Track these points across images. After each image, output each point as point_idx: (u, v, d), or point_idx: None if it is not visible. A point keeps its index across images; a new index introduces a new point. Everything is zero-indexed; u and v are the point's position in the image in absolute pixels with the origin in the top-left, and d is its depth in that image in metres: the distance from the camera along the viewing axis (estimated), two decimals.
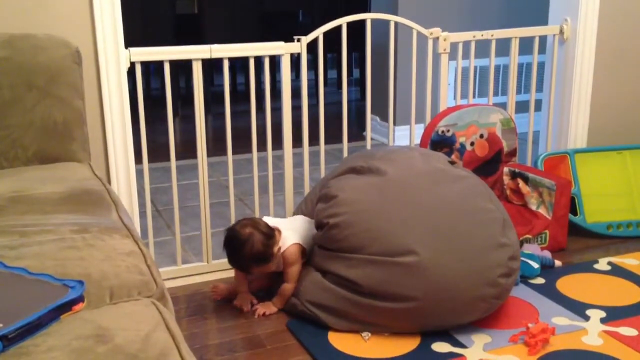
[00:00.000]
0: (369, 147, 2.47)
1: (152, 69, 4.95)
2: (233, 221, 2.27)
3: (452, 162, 2.01)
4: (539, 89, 2.74)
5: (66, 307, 0.99)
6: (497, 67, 3.70)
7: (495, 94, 3.54)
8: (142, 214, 2.18)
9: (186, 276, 2.21)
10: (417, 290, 1.74)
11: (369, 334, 1.81)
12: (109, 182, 2.03)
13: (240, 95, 4.81)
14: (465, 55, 2.51)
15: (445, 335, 1.81)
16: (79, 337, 0.93)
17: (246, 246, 1.89)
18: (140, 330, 0.97)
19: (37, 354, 0.89)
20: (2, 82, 1.68)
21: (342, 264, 1.83)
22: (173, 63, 2.10)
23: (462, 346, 1.77)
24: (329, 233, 1.87)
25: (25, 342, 0.92)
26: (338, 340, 1.80)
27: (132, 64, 2.02)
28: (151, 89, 4.92)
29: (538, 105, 2.73)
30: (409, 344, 1.78)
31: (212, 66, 4.85)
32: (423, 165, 1.93)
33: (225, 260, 2.26)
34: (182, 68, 4.41)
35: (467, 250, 1.77)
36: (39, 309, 0.95)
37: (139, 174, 2.10)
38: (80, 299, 1.01)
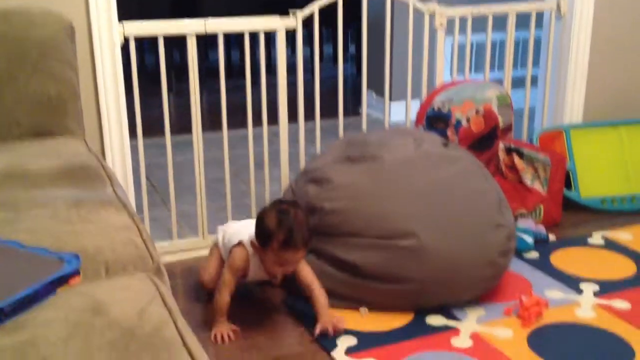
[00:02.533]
0: (364, 122, 2.47)
1: (146, 43, 4.90)
2: (229, 196, 2.27)
3: (446, 144, 2.00)
4: (536, 64, 2.73)
5: (62, 280, 0.99)
6: (493, 43, 3.67)
7: (492, 69, 3.52)
8: (137, 190, 2.18)
9: (182, 251, 2.21)
10: (417, 272, 1.75)
11: (367, 309, 1.82)
12: (104, 157, 2.02)
13: (235, 71, 4.78)
14: (462, 31, 2.49)
15: (440, 308, 1.82)
16: (75, 310, 0.94)
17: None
18: (136, 304, 0.98)
19: (34, 327, 0.90)
20: None
21: (340, 247, 1.83)
22: (168, 38, 2.09)
23: (456, 319, 1.79)
24: (325, 218, 1.86)
25: (22, 316, 0.92)
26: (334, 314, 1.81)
27: (127, 39, 2.00)
28: (145, 64, 4.88)
29: (534, 81, 2.72)
30: (404, 318, 1.80)
31: (207, 41, 4.81)
32: (417, 149, 1.93)
33: None
34: (176, 42, 4.38)
35: (465, 231, 1.78)
36: (35, 282, 0.95)
37: (134, 149, 2.10)
38: (76, 273, 1.01)
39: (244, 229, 1.81)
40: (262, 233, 1.70)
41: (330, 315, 1.73)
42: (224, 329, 1.74)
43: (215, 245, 1.95)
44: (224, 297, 1.74)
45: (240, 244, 1.77)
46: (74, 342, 0.87)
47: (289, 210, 1.70)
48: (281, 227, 1.66)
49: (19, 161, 1.50)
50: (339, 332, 1.71)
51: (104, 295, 0.99)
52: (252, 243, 1.75)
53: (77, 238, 1.14)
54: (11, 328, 0.89)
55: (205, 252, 2.20)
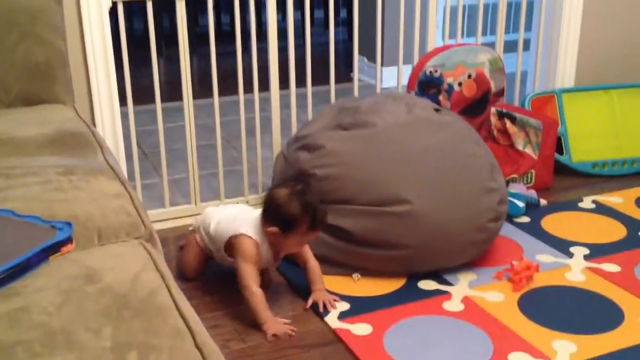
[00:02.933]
0: (356, 88, 2.45)
1: (135, 8, 4.83)
2: (221, 163, 2.26)
3: (438, 109, 1.99)
4: (528, 28, 2.71)
5: (54, 248, 0.99)
6: (486, 6, 3.64)
7: (484, 33, 3.50)
8: (129, 157, 2.17)
9: (174, 218, 2.21)
10: (410, 238, 1.76)
11: (359, 275, 1.84)
12: (94, 124, 2.01)
13: (225, 36, 4.73)
14: None
15: (432, 273, 1.84)
16: (68, 277, 0.94)
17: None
18: (129, 270, 0.98)
19: (27, 294, 0.90)
20: None
21: (333, 214, 1.82)
22: (156, 3, 2.05)
23: (448, 284, 1.80)
24: (317, 185, 1.85)
25: (15, 284, 0.92)
26: (327, 280, 1.82)
27: (114, 4, 1.97)
28: (134, 29, 4.82)
29: (527, 44, 2.71)
30: (396, 283, 1.81)
31: (196, 5, 4.75)
32: (409, 114, 1.92)
33: (214, 201, 2.26)
34: (165, 7, 4.32)
35: (458, 196, 1.78)
36: (27, 250, 0.95)
37: (124, 116, 2.08)
38: (68, 240, 1.01)
39: (238, 218, 1.73)
40: (287, 220, 1.64)
41: (324, 289, 1.73)
42: (279, 327, 1.62)
43: (193, 232, 1.86)
44: (257, 293, 1.64)
45: (244, 235, 1.67)
46: (67, 308, 0.87)
47: (305, 191, 1.66)
48: (307, 212, 1.63)
49: (9, 128, 1.49)
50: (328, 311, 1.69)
51: (97, 262, 0.99)
52: (267, 232, 1.66)
53: (69, 206, 1.14)
54: (4, 295, 0.89)
55: None
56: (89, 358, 0.78)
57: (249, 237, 1.67)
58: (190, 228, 1.90)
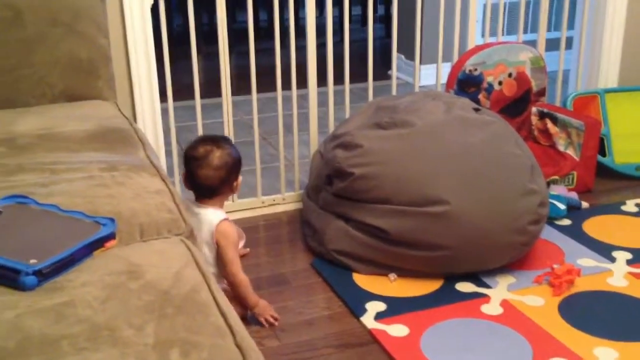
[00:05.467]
0: (394, 86, 2.44)
1: (174, 5, 4.88)
2: (258, 160, 2.27)
3: (477, 108, 1.97)
4: (571, 26, 2.66)
5: (98, 243, 1.00)
6: (527, 3, 3.59)
7: (525, 31, 3.45)
8: (168, 153, 2.19)
9: None
10: (448, 239, 1.74)
11: (395, 275, 1.82)
12: (135, 120, 2.03)
13: (263, 33, 4.74)
14: None
15: (470, 275, 1.82)
16: (111, 273, 0.95)
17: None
18: (170, 267, 0.99)
19: (71, 289, 0.91)
20: (27, 19, 1.67)
21: (369, 213, 1.82)
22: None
23: (487, 286, 1.78)
24: (354, 184, 1.84)
25: (60, 278, 0.93)
26: (362, 280, 1.82)
27: (156, 1, 1.99)
28: (174, 27, 4.87)
29: (569, 43, 2.66)
30: (433, 284, 1.79)
31: (234, 2, 4.77)
32: (448, 114, 1.89)
33: (251, 199, 2.27)
34: (204, 4, 4.34)
35: (497, 197, 1.76)
36: (72, 245, 0.96)
37: (164, 112, 2.10)
38: (112, 236, 1.02)
39: (204, 222, 1.65)
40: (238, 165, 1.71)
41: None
42: (267, 311, 1.65)
43: None
44: (245, 278, 1.63)
45: (220, 221, 1.64)
46: (111, 303, 0.88)
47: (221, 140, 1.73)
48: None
49: (53, 124, 1.51)
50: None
51: (139, 258, 1.00)
52: (233, 188, 1.72)
53: (112, 201, 1.15)
54: (50, 289, 0.91)
55: (234, 216, 2.22)
56: (131, 354, 0.79)
57: (224, 219, 1.65)
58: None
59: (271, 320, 1.65)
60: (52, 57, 1.69)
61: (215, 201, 1.69)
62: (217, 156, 1.67)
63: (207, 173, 1.65)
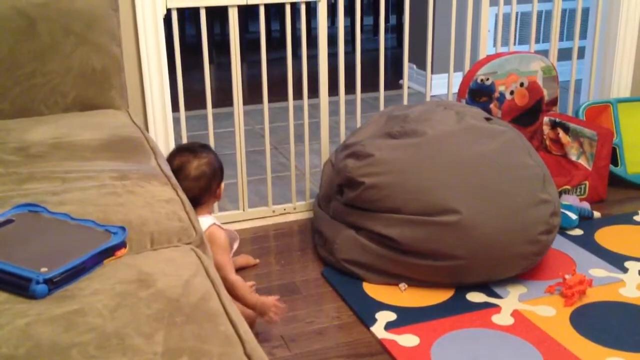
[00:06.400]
0: (405, 96, 2.44)
1: (187, 15, 4.91)
2: (269, 169, 2.28)
3: (489, 118, 1.96)
4: (583, 35, 2.65)
5: (109, 252, 1.00)
6: (539, 13, 3.58)
7: (537, 41, 3.44)
8: None
9: (222, 224, 2.22)
10: (459, 249, 1.73)
11: (406, 285, 1.82)
12: (147, 129, 2.04)
13: (275, 42, 4.76)
14: (507, 0, 2.43)
15: (480, 285, 1.81)
16: (122, 281, 0.95)
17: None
18: (181, 275, 0.99)
19: (81, 297, 0.91)
20: (41, 28, 1.68)
21: (380, 222, 1.81)
22: (209, 9, 2.08)
23: (498, 296, 1.77)
24: (365, 193, 1.84)
25: (70, 286, 0.94)
26: (373, 289, 1.82)
27: (169, 11, 2.00)
28: (186, 36, 4.90)
29: (581, 52, 2.65)
30: (444, 294, 1.79)
31: (247, 12, 4.80)
32: (459, 123, 1.89)
33: (261, 208, 2.28)
34: (216, 14, 4.37)
35: (508, 207, 1.75)
36: (83, 253, 0.97)
37: (176, 121, 2.11)
38: (122, 245, 1.03)
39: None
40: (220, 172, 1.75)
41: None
42: (268, 307, 1.61)
43: None
44: (239, 279, 1.62)
45: (209, 227, 1.65)
46: (121, 312, 0.88)
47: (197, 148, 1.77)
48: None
49: (65, 133, 1.52)
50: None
51: (150, 266, 1.01)
52: (217, 195, 1.75)
53: (123, 210, 1.16)
54: (61, 298, 0.91)
55: (245, 225, 2.23)
56: None
57: (211, 224, 1.66)
58: None
59: (275, 318, 1.61)
60: (65, 66, 1.70)
61: (202, 209, 1.71)
62: (194, 167, 1.68)
63: (186, 185, 1.62)
